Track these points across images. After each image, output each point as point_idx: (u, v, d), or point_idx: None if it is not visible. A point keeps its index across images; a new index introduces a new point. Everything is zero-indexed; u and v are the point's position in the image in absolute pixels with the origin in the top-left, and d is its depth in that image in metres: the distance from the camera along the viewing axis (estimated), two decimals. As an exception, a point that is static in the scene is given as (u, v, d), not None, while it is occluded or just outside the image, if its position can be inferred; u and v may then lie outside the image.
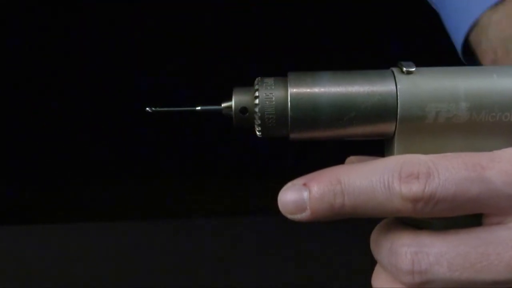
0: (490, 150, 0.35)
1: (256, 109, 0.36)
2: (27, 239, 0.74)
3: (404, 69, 0.36)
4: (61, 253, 0.72)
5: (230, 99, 0.37)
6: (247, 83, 0.38)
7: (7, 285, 0.69)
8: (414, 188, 0.33)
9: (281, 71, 0.38)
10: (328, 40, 0.65)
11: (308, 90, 0.36)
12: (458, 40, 0.55)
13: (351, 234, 0.42)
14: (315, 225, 0.41)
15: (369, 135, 0.37)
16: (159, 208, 0.79)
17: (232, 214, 0.77)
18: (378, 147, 0.39)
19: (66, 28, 0.72)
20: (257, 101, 0.36)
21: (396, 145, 0.36)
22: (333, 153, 0.40)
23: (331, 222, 0.37)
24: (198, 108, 0.38)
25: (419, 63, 0.37)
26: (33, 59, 0.75)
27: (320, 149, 0.41)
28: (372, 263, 0.39)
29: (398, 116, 0.35)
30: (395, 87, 0.35)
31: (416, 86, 0.35)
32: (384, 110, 0.35)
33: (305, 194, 0.36)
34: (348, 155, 0.41)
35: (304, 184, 0.36)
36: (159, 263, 0.70)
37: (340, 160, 0.41)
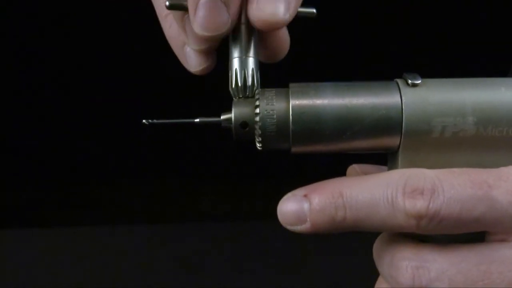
0: (497, 165, 0.34)
1: (257, 123, 0.35)
2: (24, 242, 0.74)
3: (409, 81, 0.35)
4: (57, 256, 0.72)
5: (229, 111, 0.36)
6: None
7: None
8: (419, 204, 0.33)
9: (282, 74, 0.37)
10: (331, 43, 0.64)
11: (311, 102, 0.34)
12: None
13: (354, 239, 0.41)
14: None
15: (373, 149, 0.36)
16: (154, 212, 0.79)
17: (228, 219, 0.76)
18: (381, 154, 0.38)
19: (68, 29, 0.71)
20: (257, 114, 0.35)
21: (400, 159, 0.35)
22: (334, 158, 0.39)
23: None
24: (197, 120, 0.37)
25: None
26: (32, 59, 0.73)
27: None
28: (374, 270, 0.39)
29: (403, 130, 0.34)
30: (400, 100, 0.34)
31: (422, 99, 0.34)
32: (389, 124, 0.34)
33: (306, 206, 0.35)
34: (349, 160, 0.40)
35: (305, 195, 0.35)
36: (155, 266, 0.69)
37: (340, 165, 0.40)
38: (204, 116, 0.37)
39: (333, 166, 0.40)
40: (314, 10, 0.39)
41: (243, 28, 0.37)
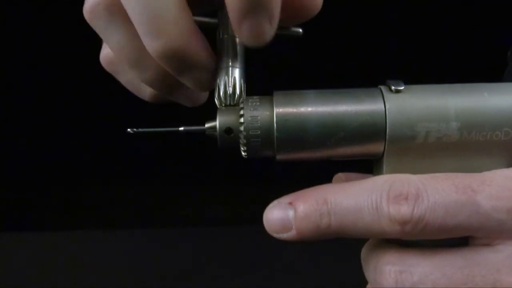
0: (481, 169, 0.34)
1: (242, 130, 0.35)
2: (18, 246, 0.73)
3: (393, 87, 0.35)
4: (52, 261, 0.71)
5: (213, 119, 0.36)
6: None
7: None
8: (403, 209, 0.33)
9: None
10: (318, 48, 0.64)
11: (295, 110, 0.35)
12: None
13: (350, 245, 0.42)
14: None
15: (358, 155, 0.36)
16: (152, 216, 0.78)
17: (227, 223, 0.76)
18: (367, 160, 0.38)
19: (69, 28, 0.71)
20: (242, 122, 0.35)
21: (385, 165, 0.35)
22: (324, 162, 0.39)
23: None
24: (181, 128, 0.37)
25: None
26: (31, 59, 0.73)
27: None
28: (362, 277, 0.39)
29: (387, 136, 0.34)
30: (383, 106, 0.34)
31: (405, 105, 0.34)
32: (373, 130, 0.34)
33: (291, 213, 0.35)
34: (338, 166, 0.40)
35: (290, 203, 0.35)
36: (153, 271, 0.69)
37: (330, 169, 0.40)
38: (187, 124, 0.37)
39: (330, 173, 0.40)
40: (301, 30, 0.39)
41: (230, 40, 0.38)
